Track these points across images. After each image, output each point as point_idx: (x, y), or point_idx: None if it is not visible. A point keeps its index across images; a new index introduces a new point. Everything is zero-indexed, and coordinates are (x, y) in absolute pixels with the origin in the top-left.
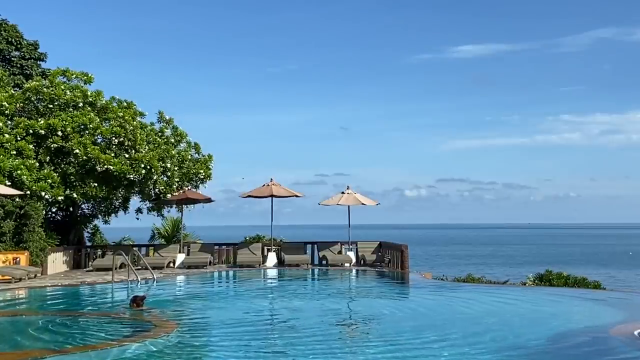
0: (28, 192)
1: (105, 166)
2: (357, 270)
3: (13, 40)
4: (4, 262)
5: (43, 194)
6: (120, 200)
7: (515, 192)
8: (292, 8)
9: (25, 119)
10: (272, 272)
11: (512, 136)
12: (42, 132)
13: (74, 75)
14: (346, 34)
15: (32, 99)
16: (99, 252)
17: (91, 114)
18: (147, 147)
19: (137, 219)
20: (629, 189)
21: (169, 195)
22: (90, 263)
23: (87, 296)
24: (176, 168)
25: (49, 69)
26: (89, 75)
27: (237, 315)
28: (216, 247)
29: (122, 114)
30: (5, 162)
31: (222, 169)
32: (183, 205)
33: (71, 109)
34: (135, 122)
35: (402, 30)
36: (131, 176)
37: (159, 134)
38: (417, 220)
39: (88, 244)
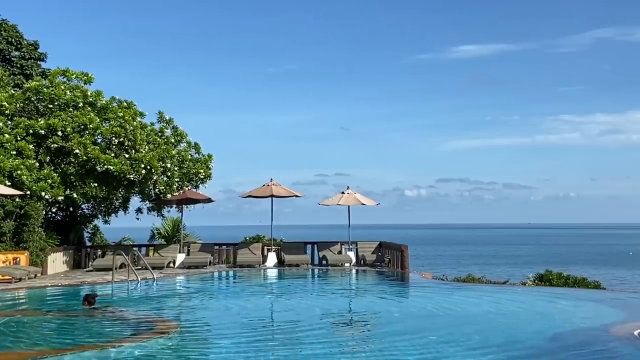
0: (28, 192)
1: (105, 166)
2: (357, 270)
3: (13, 40)
4: (4, 262)
5: (43, 194)
6: (120, 200)
7: (515, 192)
8: (291, 8)
9: (25, 119)
10: (272, 272)
11: (512, 136)
12: (42, 132)
13: (74, 75)
14: (346, 34)
15: (32, 99)
16: (99, 252)
17: (91, 114)
18: (147, 147)
19: (137, 219)
20: (629, 189)
21: (169, 195)
22: (90, 263)
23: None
24: (176, 168)
25: (49, 69)
26: (89, 75)
27: (237, 315)
28: (216, 247)
29: (122, 114)
30: (5, 162)
31: (222, 169)
32: (183, 205)
33: (71, 109)
34: (135, 122)
35: (402, 30)
36: (131, 176)
37: (159, 134)
38: (417, 220)
39: (88, 244)
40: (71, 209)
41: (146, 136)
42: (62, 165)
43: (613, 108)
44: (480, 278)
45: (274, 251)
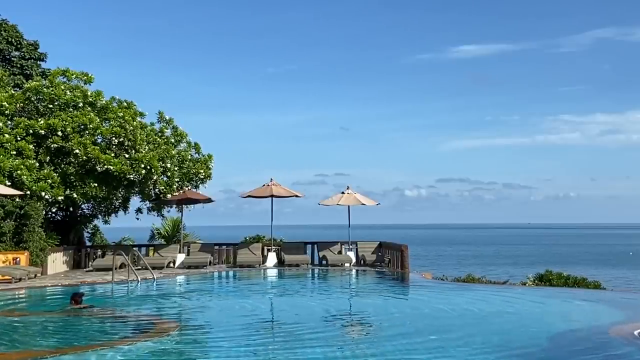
0: (28, 192)
1: (105, 166)
2: (357, 271)
3: (13, 40)
4: (4, 262)
5: (43, 194)
6: (120, 200)
7: (515, 192)
8: (292, 8)
9: (25, 119)
10: (272, 272)
11: (512, 136)
12: (42, 132)
13: (74, 75)
14: (346, 34)
15: (32, 99)
16: (99, 252)
17: (91, 114)
18: (147, 147)
19: (137, 219)
20: (629, 189)
21: (169, 195)
22: (90, 263)
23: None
24: (176, 168)
25: (49, 69)
26: (89, 75)
27: (236, 315)
28: (216, 247)
29: (122, 114)
30: (5, 162)
31: (222, 169)
32: (183, 205)
33: (71, 109)
34: (135, 122)
35: (402, 30)
36: (131, 176)
37: (159, 134)
38: (417, 220)
39: (88, 244)
40: (71, 209)
41: (146, 136)
42: (62, 165)
43: (613, 108)
44: (480, 278)
45: (274, 251)
